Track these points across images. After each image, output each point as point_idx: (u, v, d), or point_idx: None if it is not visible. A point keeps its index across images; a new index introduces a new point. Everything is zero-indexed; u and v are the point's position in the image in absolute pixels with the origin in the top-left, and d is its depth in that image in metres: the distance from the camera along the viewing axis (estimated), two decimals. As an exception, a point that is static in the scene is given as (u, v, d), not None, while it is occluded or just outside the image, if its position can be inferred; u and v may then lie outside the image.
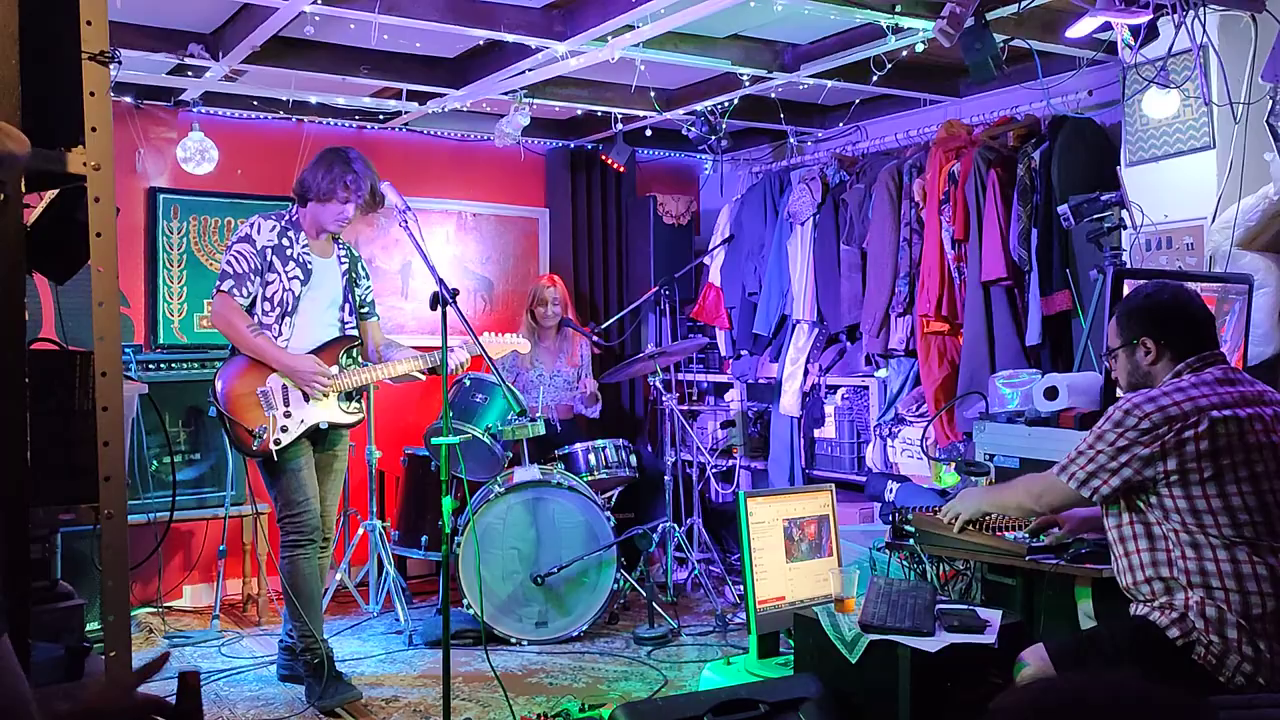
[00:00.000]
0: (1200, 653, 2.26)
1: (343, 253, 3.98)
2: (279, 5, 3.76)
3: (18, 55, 1.60)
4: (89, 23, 1.80)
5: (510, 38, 4.17)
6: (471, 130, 5.86)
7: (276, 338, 3.77)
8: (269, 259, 3.77)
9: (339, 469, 3.99)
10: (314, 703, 3.69)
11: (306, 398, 3.77)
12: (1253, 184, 3.57)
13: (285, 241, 3.81)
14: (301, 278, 3.82)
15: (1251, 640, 2.24)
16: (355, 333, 3.96)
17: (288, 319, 3.80)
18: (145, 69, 4.64)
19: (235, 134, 5.37)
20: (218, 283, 3.77)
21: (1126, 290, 2.93)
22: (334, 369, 3.83)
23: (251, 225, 3.81)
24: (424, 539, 4.80)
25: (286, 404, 3.75)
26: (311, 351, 3.82)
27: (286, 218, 3.87)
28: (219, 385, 3.74)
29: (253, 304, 3.78)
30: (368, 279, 4.08)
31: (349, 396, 3.89)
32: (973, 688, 2.58)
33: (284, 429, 3.74)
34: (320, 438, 3.87)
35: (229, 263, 3.76)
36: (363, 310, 4.01)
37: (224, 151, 5.22)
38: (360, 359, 3.96)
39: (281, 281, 3.79)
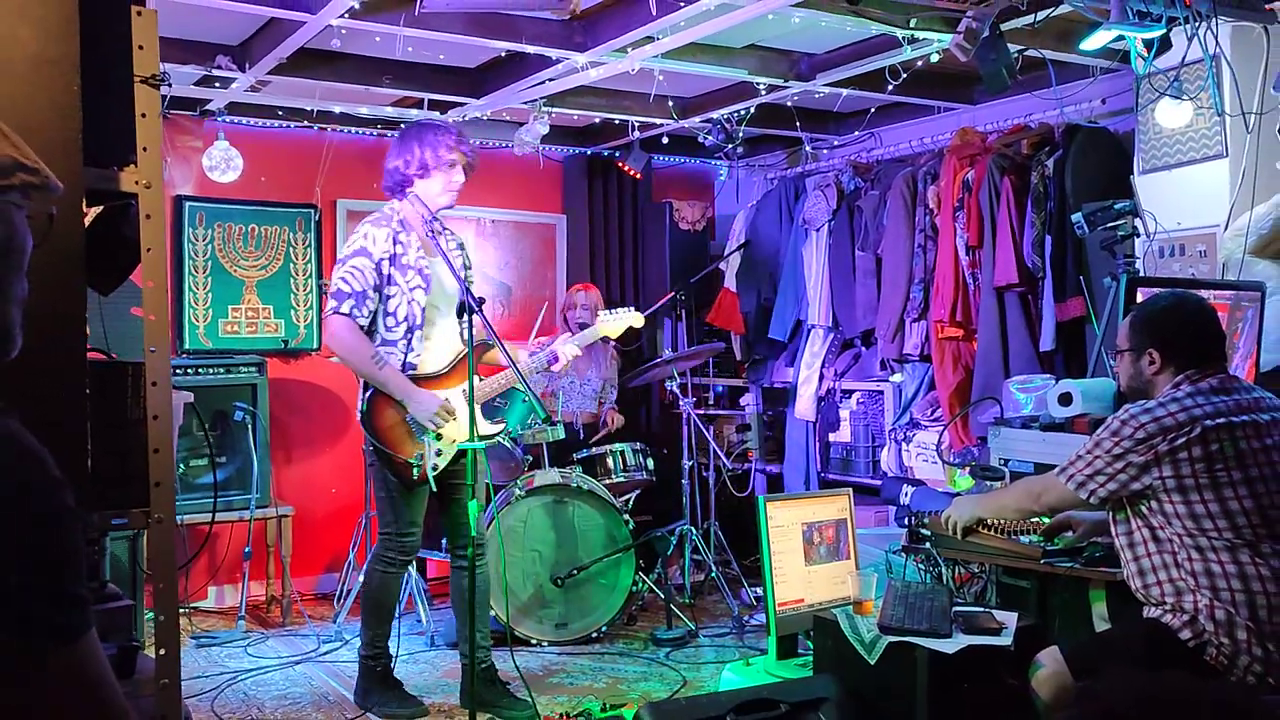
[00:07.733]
0: (1212, 654, 2.32)
1: (452, 244, 3.66)
2: (306, 19, 3.83)
3: (79, 82, 1.67)
4: (141, 47, 1.87)
5: (532, 49, 4.24)
6: (491, 138, 5.94)
7: (406, 355, 3.53)
8: (386, 271, 3.48)
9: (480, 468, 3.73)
10: (369, 708, 3.67)
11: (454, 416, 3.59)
12: (1265, 192, 3.62)
13: (399, 249, 3.51)
14: (424, 286, 3.53)
15: (1261, 642, 2.30)
16: (482, 335, 3.59)
17: (417, 333, 3.53)
18: (173, 80, 4.71)
19: (259, 143, 5.46)
20: (334, 303, 3.45)
21: (1140, 298, 2.98)
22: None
23: (365, 236, 3.49)
24: (445, 540, 4.86)
25: (436, 427, 3.57)
26: (449, 368, 3.61)
27: (394, 218, 3.54)
28: (369, 419, 3.51)
29: (373, 322, 3.51)
30: (470, 268, 3.76)
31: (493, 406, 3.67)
32: (988, 689, 2.64)
33: (438, 453, 3.57)
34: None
35: (344, 279, 3.44)
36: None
37: (248, 160, 5.30)
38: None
39: (404, 294, 3.51)
